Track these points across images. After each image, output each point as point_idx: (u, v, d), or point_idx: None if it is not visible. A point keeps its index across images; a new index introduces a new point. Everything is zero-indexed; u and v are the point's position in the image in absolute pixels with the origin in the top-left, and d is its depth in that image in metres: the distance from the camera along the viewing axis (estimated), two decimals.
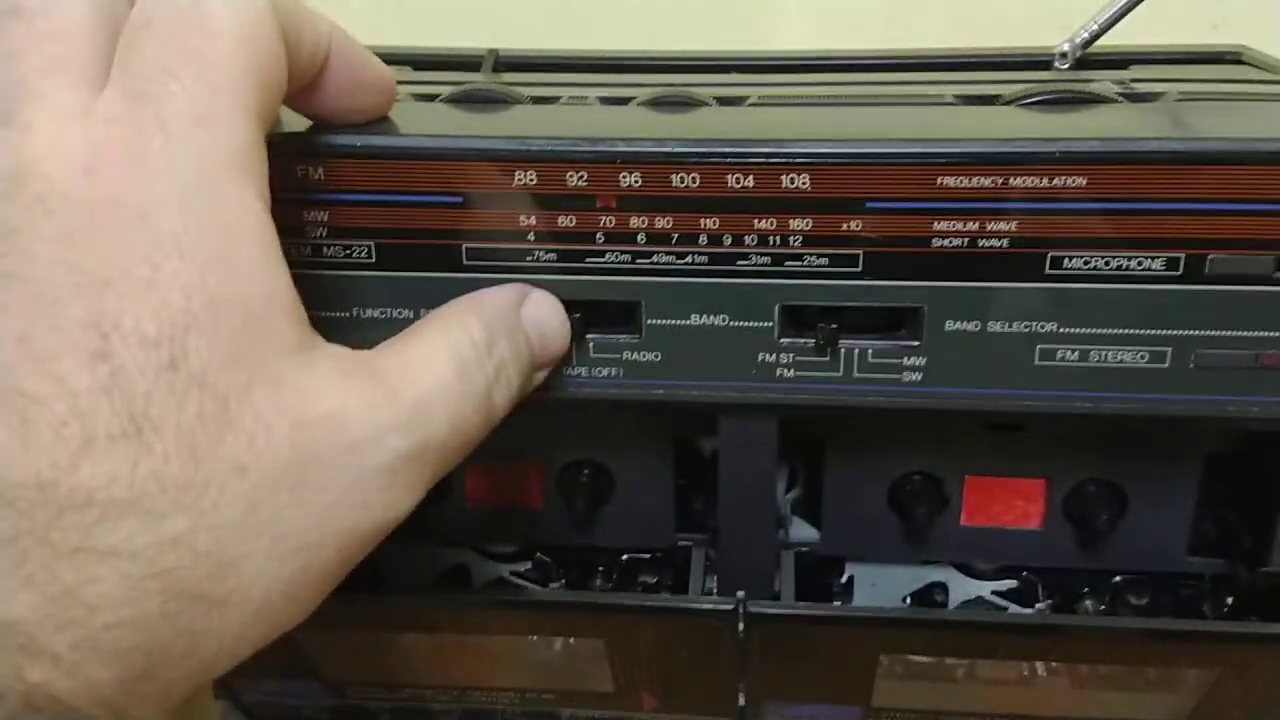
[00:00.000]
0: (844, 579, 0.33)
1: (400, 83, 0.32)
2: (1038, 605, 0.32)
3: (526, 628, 0.28)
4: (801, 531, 0.32)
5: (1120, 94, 0.27)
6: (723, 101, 0.28)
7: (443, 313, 0.25)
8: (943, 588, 0.32)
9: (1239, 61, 0.34)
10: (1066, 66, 0.33)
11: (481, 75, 0.34)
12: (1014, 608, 0.32)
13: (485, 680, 0.31)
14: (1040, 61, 0.34)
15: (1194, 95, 0.27)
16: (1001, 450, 0.30)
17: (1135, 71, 0.33)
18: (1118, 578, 0.31)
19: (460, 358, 0.24)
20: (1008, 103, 0.27)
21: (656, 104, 0.28)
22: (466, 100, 0.29)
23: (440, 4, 0.62)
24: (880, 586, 0.33)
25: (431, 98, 0.29)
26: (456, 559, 0.34)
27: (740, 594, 0.28)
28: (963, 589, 0.32)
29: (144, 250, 0.19)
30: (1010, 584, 0.32)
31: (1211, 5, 0.62)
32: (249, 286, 0.21)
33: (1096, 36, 0.33)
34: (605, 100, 0.29)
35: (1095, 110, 0.26)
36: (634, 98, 0.29)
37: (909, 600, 0.32)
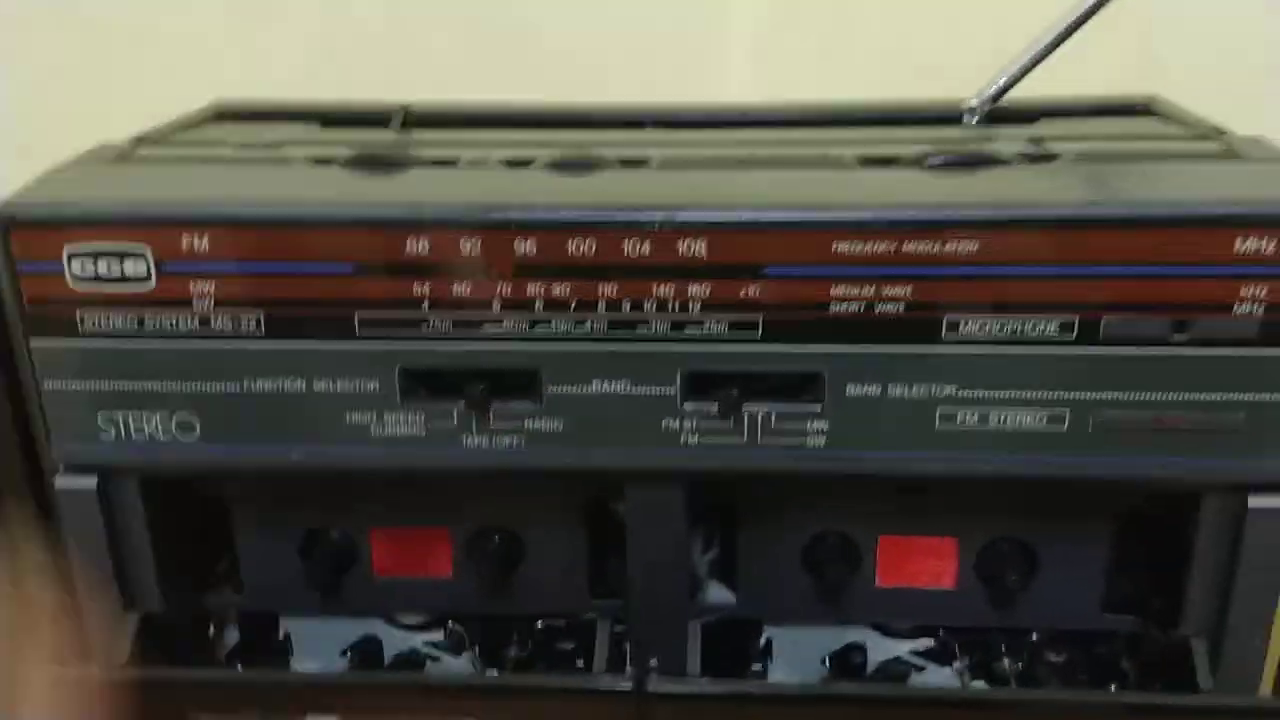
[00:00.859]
0: (762, 642, 0.32)
1: (303, 143, 0.31)
2: (955, 664, 0.32)
3: (426, 709, 0.27)
4: (718, 595, 0.32)
5: (1019, 154, 0.27)
6: (626, 163, 0.28)
7: None
8: (861, 649, 0.32)
9: (1149, 112, 0.34)
10: (975, 121, 0.33)
11: (389, 132, 0.34)
12: (931, 667, 0.32)
13: None
14: (950, 116, 0.34)
15: (1092, 155, 0.27)
16: (914, 510, 0.30)
17: (1043, 125, 0.33)
18: (1034, 636, 0.31)
19: None
20: (907, 165, 0.27)
21: (558, 166, 0.28)
22: (364, 164, 0.28)
23: (379, 52, 0.62)
24: (799, 648, 0.32)
25: (329, 161, 0.28)
26: (367, 630, 0.33)
27: (631, 669, 0.27)
28: (881, 649, 0.32)
29: None
30: (928, 643, 0.32)
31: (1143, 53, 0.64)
32: None
33: (1004, 91, 0.33)
34: (507, 162, 0.28)
35: (991, 173, 0.26)
36: (536, 159, 0.28)
37: (827, 661, 0.32)
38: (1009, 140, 0.30)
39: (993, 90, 0.33)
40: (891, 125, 0.34)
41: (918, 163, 0.27)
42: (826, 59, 0.68)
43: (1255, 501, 0.26)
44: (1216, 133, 0.30)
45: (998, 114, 0.33)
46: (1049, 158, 0.27)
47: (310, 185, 0.27)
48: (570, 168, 0.28)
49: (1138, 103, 0.35)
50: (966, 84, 0.34)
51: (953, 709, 0.26)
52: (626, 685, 0.25)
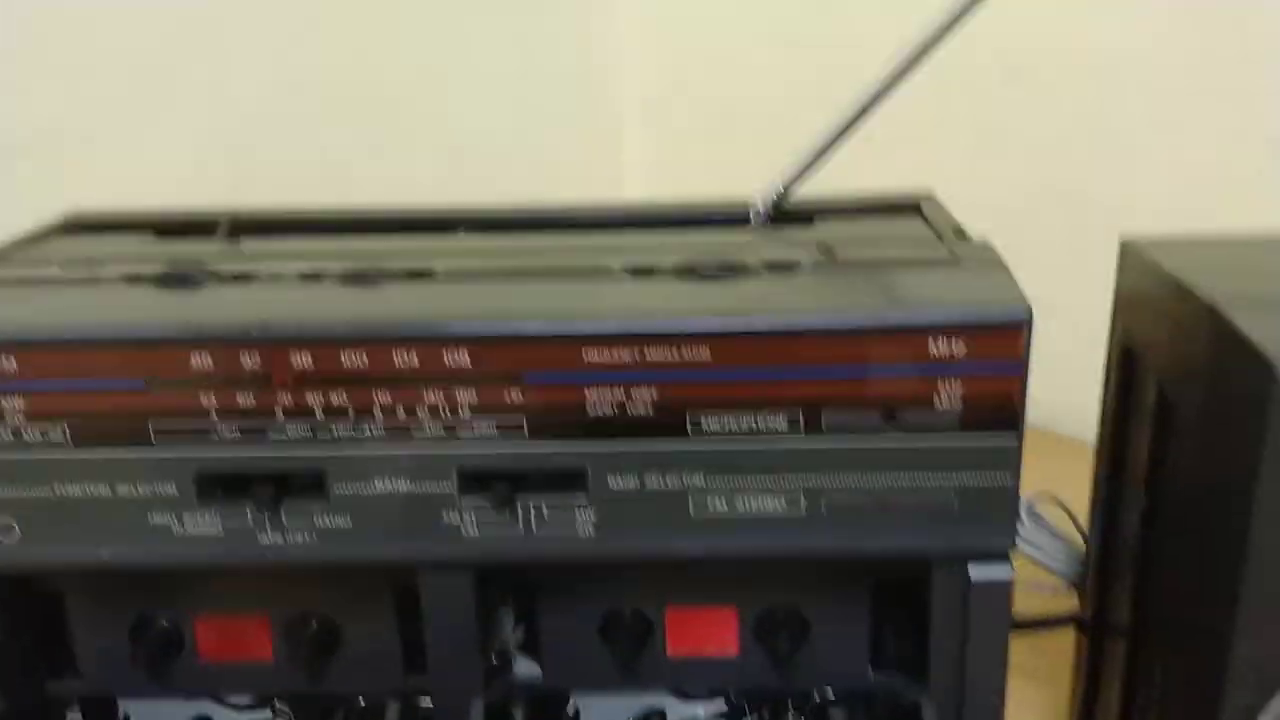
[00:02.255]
0: (571, 710, 0.34)
1: (124, 260, 0.33)
2: None
3: None
4: (528, 668, 0.34)
5: (763, 264, 0.30)
6: (411, 274, 0.31)
7: None
8: (661, 713, 0.34)
9: (917, 211, 0.38)
10: (760, 220, 0.36)
11: (214, 241, 0.36)
12: None
13: None
14: (739, 216, 0.37)
15: (825, 264, 0.30)
16: (696, 581, 0.32)
17: (817, 225, 0.36)
18: (817, 696, 0.34)
19: None
20: (664, 275, 0.30)
21: (346, 278, 0.30)
22: (167, 282, 0.30)
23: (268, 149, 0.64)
24: (606, 714, 0.34)
25: (139, 278, 0.31)
26: (199, 710, 0.35)
27: None
28: (679, 712, 0.34)
29: None
30: (721, 705, 0.34)
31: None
32: None
33: (784, 194, 0.36)
34: (302, 275, 0.31)
35: (734, 283, 0.29)
36: (328, 272, 0.31)
37: None
38: (778, 245, 0.33)
39: (775, 191, 0.36)
40: (684, 226, 0.37)
41: (673, 273, 0.30)
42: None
43: (975, 572, 0.29)
44: (957, 235, 0.33)
45: (782, 212, 0.36)
46: (790, 266, 0.30)
47: (112, 305, 0.29)
48: (357, 280, 0.30)
49: (910, 201, 0.38)
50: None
51: None
52: None
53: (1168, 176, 0.64)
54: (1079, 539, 0.43)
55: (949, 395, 0.27)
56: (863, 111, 0.34)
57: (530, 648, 0.34)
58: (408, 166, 0.68)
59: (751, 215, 0.37)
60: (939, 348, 0.27)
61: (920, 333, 0.26)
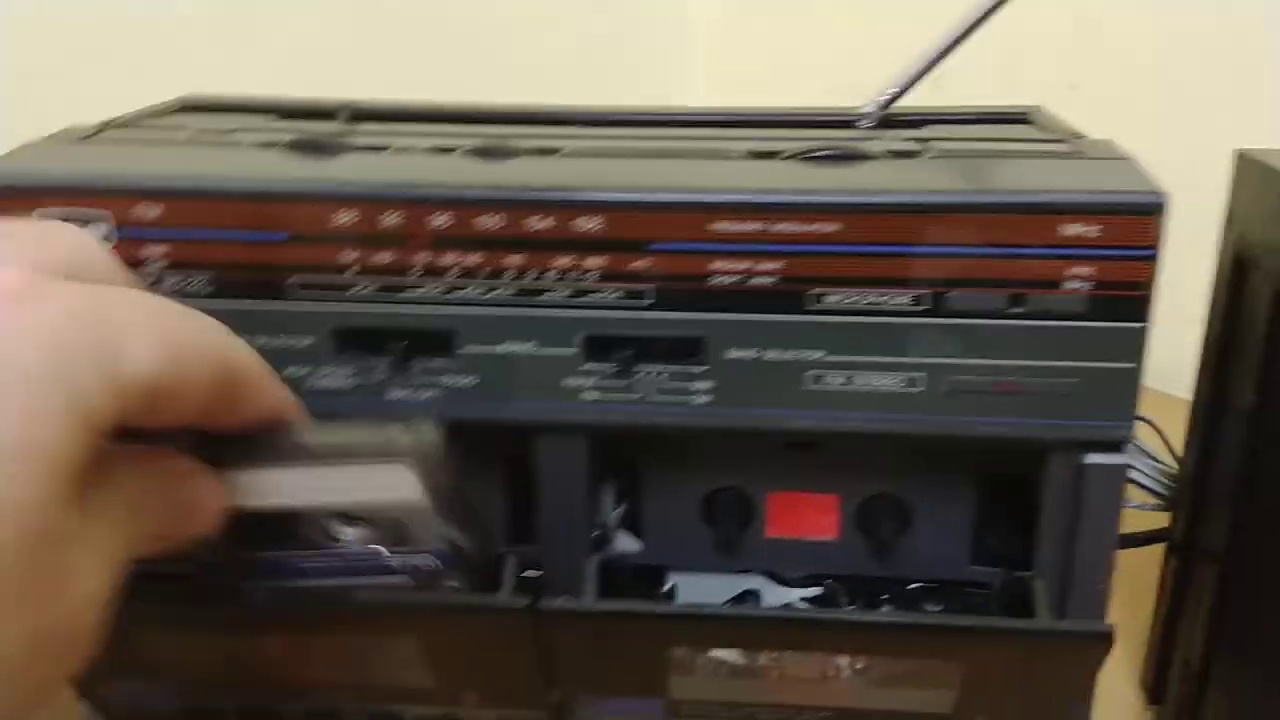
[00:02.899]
0: (666, 588, 0.35)
1: (253, 130, 0.34)
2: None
3: (341, 629, 0.30)
4: (627, 544, 0.35)
5: (886, 151, 0.30)
6: (539, 151, 0.31)
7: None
8: (755, 595, 0.35)
9: (1027, 122, 0.38)
10: (868, 126, 0.37)
11: (335, 124, 0.37)
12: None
13: (321, 677, 0.33)
14: (846, 121, 0.37)
15: (953, 153, 0.30)
16: (799, 467, 0.33)
17: (927, 130, 0.36)
18: (913, 585, 0.34)
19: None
20: (787, 159, 0.30)
21: (477, 153, 0.31)
22: (303, 148, 0.31)
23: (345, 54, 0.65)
24: (700, 593, 0.35)
25: (273, 145, 0.32)
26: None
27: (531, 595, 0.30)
28: (774, 595, 0.35)
29: None
30: (816, 591, 0.35)
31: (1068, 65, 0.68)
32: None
33: (895, 98, 0.36)
34: (432, 149, 0.31)
35: (859, 165, 0.29)
36: (459, 147, 0.31)
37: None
38: (888, 141, 0.33)
39: (884, 97, 0.36)
40: (791, 127, 0.37)
41: (796, 157, 0.30)
42: (776, 70, 0.71)
43: (1090, 459, 0.29)
44: (1074, 137, 0.33)
45: (889, 120, 0.36)
46: (912, 155, 0.30)
47: (253, 164, 0.30)
48: (488, 154, 0.31)
49: (1019, 113, 0.38)
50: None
51: (802, 629, 0.29)
52: (521, 603, 0.28)
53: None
54: (1170, 459, 0.43)
55: (1078, 279, 0.27)
56: (977, 24, 0.34)
57: (631, 526, 0.35)
58: (461, 74, 0.68)
59: (859, 120, 0.37)
60: (1071, 230, 0.27)
61: (1054, 213, 0.27)
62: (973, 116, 0.38)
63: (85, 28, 0.56)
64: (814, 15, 0.81)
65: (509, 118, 0.38)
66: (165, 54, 0.57)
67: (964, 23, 0.34)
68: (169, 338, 0.22)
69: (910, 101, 0.36)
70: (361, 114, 0.38)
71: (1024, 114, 0.38)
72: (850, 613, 0.29)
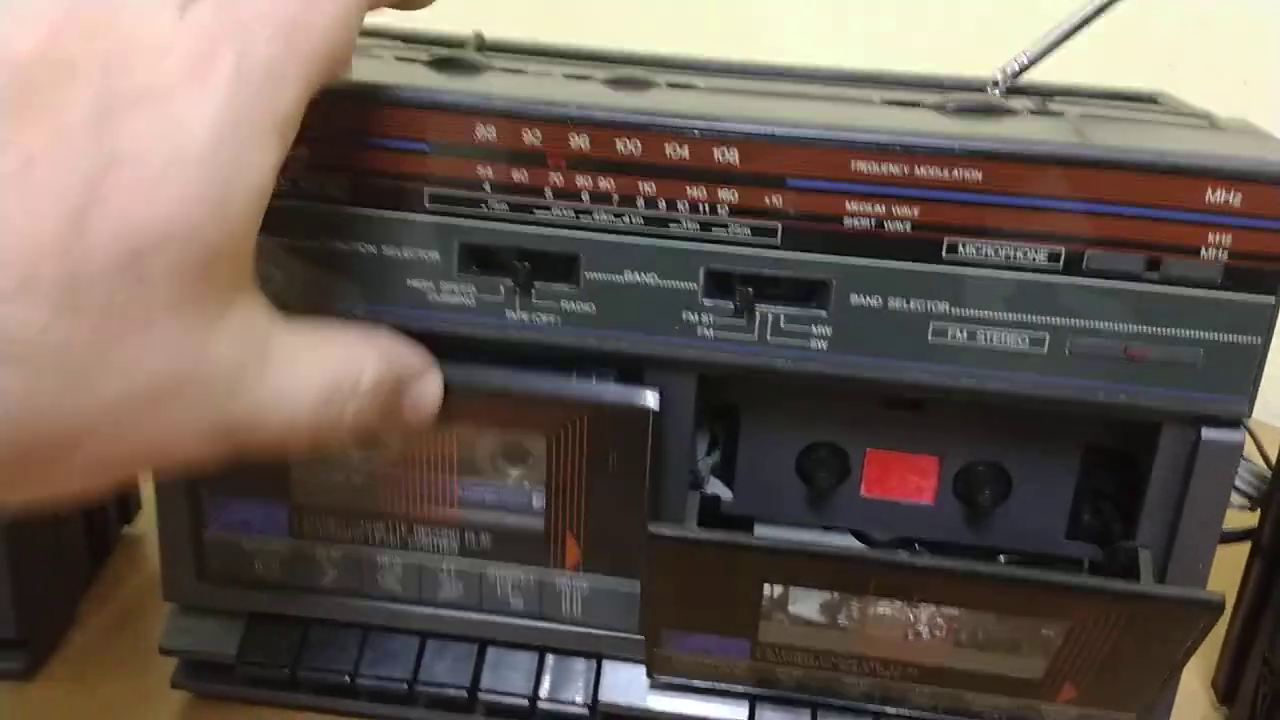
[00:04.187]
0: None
1: (389, 48, 0.35)
2: None
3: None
4: (718, 491, 0.35)
5: (1028, 109, 0.30)
6: (674, 86, 0.31)
7: (357, 339, 0.27)
8: None
9: (1153, 102, 0.37)
10: (999, 92, 0.36)
11: (465, 51, 0.37)
12: None
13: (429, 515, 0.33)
14: (975, 86, 0.37)
15: (1095, 116, 0.30)
16: (900, 427, 0.33)
17: (1057, 102, 0.36)
18: (1002, 556, 0.34)
19: (333, 387, 0.26)
20: (927, 108, 0.30)
21: (613, 82, 0.31)
22: (442, 65, 0.31)
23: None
24: None
25: (412, 61, 0.32)
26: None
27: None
28: None
29: (165, 153, 0.21)
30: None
31: (1242, 59, 0.66)
32: (230, 242, 0.22)
33: (1026, 67, 0.36)
34: (568, 76, 0.32)
35: (1001, 119, 0.29)
36: (594, 77, 0.32)
37: None
38: (1028, 101, 0.33)
39: (1014, 67, 0.36)
40: (921, 89, 0.37)
41: (937, 108, 0.30)
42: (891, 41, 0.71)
43: (1208, 434, 0.29)
44: (1207, 115, 0.32)
45: (1017, 89, 0.36)
46: (1055, 114, 0.30)
47: (394, 75, 0.30)
48: (624, 84, 0.31)
49: (1145, 95, 0.37)
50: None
51: (902, 575, 0.29)
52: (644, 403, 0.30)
53: None
54: (1262, 461, 0.42)
55: (1217, 247, 0.27)
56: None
57: (725, 474, 0.35)
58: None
59: (989, 86, 0.37)
60: (1215, 196, 0.26)
61: (1199, 176, 0.26)
62: (1100, 93, 0.37)
63: None
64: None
65: (638, 60, 0.38)
66: None
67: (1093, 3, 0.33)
68: None
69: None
70: (487, 45, 0.38)
71: (1151, 95, 0.37)
72: (959, 562, 0.29)
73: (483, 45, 0.38)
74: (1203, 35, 0.66)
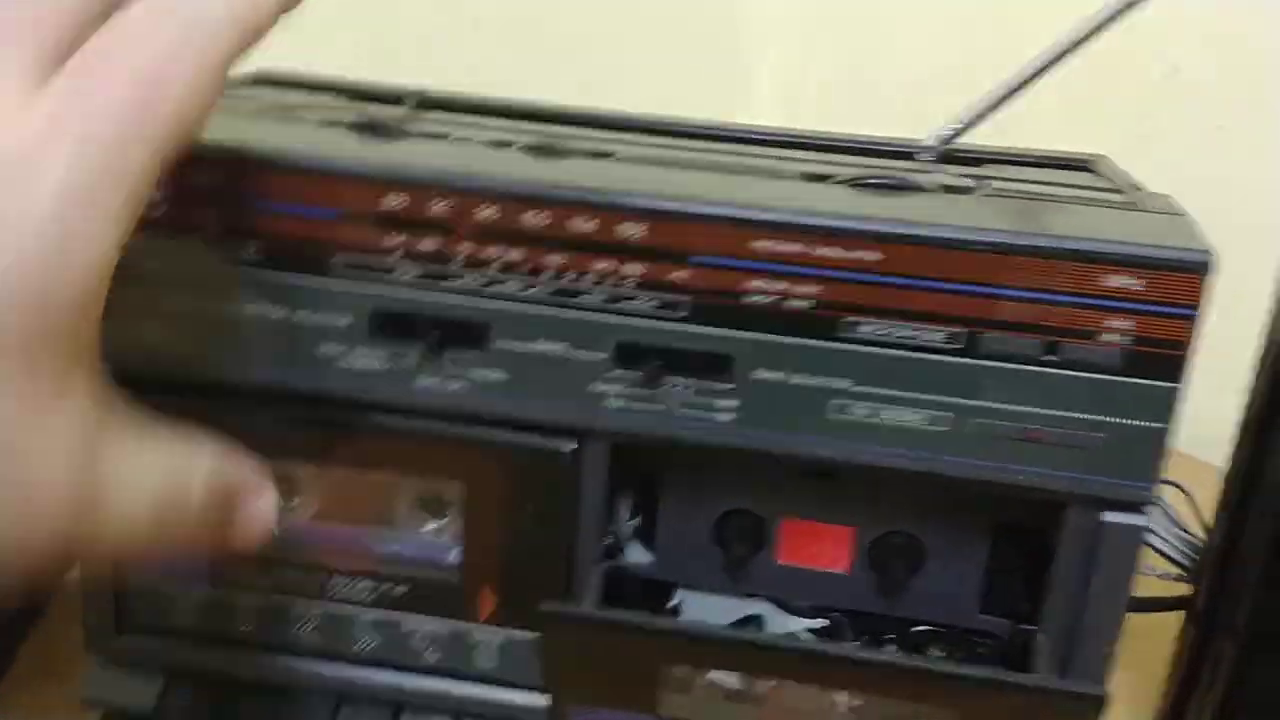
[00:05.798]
0: (672, 604, 0.35)
1: (320, 109, 0.35)
2: (846, 645, 0.34)
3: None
4: (638, 556, 0.35)
5: (939, 185, 0.30)
6: (593, 154, 0.32)
7: (187, 446, 0.26)
8: (760, 620, 0.35)
9: (1089, 170, 0.37)
10: (929, 159, 0.37)
11: (401, 109, 0.38)
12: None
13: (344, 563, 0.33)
14: (905, 153, 0.37)
15: (1003, 192, 0.30)
16: (816, 496, 0.33)
17: (986, 169, 0.36)
18: (920, 628, 0.34)
19: (168, 495, 0.25)
20: (838, 183, 0.30)
21: (533, 149, 0.31)
22: (364, 129, 0.32)
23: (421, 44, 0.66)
24: (706, 614, 0.35)
25: (336, 124, 0.32)
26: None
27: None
28: (779, 624, 0.35)
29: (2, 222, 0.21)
30: (822, 623, 0.35)
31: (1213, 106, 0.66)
32: (69, 317, 0.22)
33: (958, 133, 0.36)
34: (490, 142, 0.32)
35: (909, 196, 0.29)
36: (516, 142, 0.32)
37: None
38: (944, 175, 0.33)
39: (947, 132, 0.36)
40: (850, 154, 0.37)
41: (848, 182, 0.30)
42: (844, 91, 0.71)
43: (1109, 518, 0.29)
44: (1133, 189, 0.32)
45: (949, 155, 0.36)
46: (965, 191, 0.30)
47: (313, 141, 0.31)
48: (543, 152, 0.31)
49: (1082, 160, 0.38)
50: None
51: (798, 659, 0.29)
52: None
53: None
54: (1199, 530, 0.42)
55: (1116, 333, 0.27)
56: (1045, 68, 0.34)
57: (644, 539, 0.35)
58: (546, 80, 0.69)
59: (919, 153, 0.37)
60: (1114, 281, 0.26)
61: (1097, 262, 0.26)
62: (1034, 160, 0.37)
63: None
64: (888, 41, 0.81)
65: (572, 118, 0.38)
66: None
67: (1032, 66, 0.33)
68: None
69: (973, 140, 0.36)
70: (428, 102, 0.39)
71: (1086, 162, 0.38)
72: (842, 648, 0.29)
73: (423, 102, 0.38)
74: (1172, 84, 0.66)
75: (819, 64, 0.85)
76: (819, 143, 0.37)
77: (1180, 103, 0.67)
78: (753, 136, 0.38)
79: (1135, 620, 0.43)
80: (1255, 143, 0.65)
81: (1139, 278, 0.26)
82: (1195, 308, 0.26)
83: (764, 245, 0.28)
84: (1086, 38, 0.33)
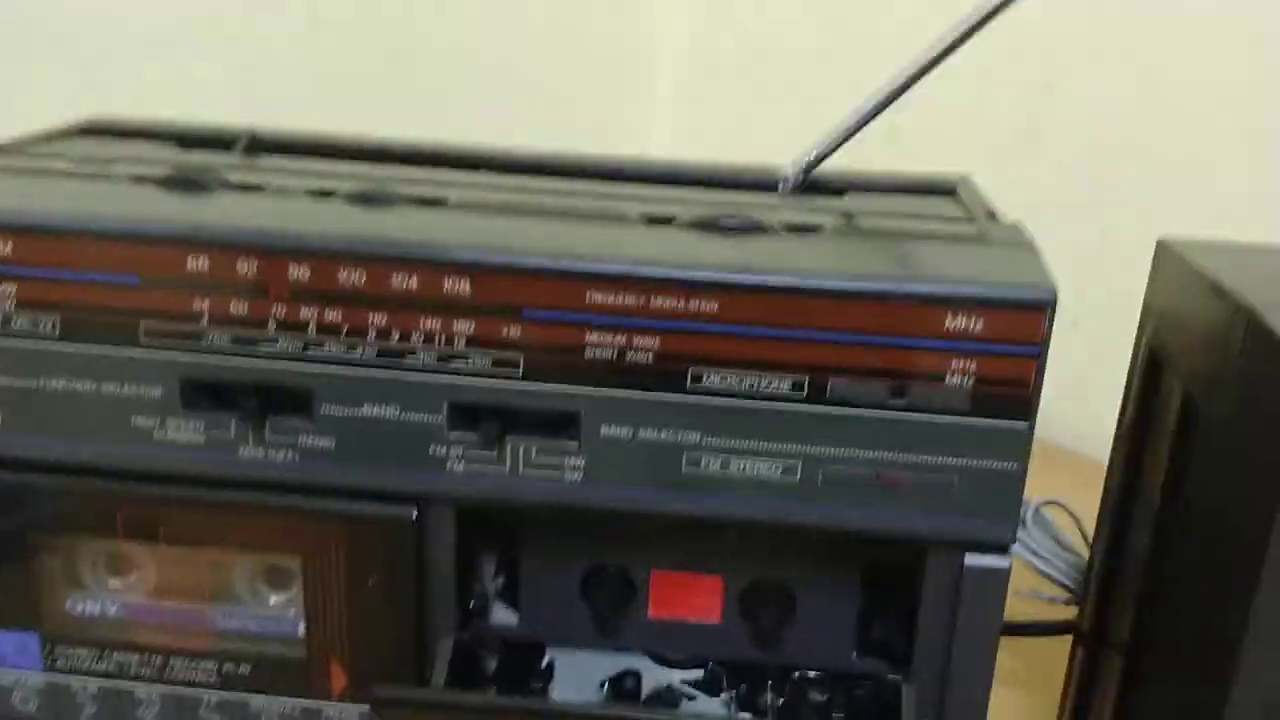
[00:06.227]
0: (545, 664, 0.34)
1: (136, 162, 0.33)
2: (723, 695, 0.33)
3: None
4: (503, 616, 0.33)
5: (784, 225, 0.29)
6: (423, 201, 0.30)
7: None
8: (636, 675, 0.33)
9: (951, 194, 0.36)
10: (789, 189, 0.35)
11: (232, 155, 0.35)
12: (702, 696, 0.33)
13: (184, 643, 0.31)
14: (767, 184, 0.36)
15: (853, 229, 0.29)
16: (683, 547, 0.31)
17: (847, 198, 0.35)
18: (798, 673, 0.33)
19: None
20: (681, 226, 0.29)
21: (357, 198, 0.29)
22: (174, 185, 0.30)
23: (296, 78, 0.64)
24: (580, 671, 0.34)
25: (146, 180, 0.30)
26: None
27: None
28: (654, 677, 0.33)
29: None
30: (698, 674, 0.33)
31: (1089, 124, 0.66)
32: None
33: (816, 163, 0.35)
34: (311, 191, 0.30)
35: (753, 239, 0.28)
36: (339, 190, 0.30)
37: (605, 686, 0.33)
38: (797, 209, 0.32)
39: (807, 161, 0.35)
40: (710, 186, 0.35)
41: (690, 225, 0.29)
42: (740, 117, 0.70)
43: (971, 560, 0.28)
44: (987, 218, 0.32)
45: (812, 184, 0.35)
46: (811, 229, 0.29)
47: (115, 201, 0.28)
48: (368, 200, 0.29)
49: (944, 185, 0.37)
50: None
51: None
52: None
53: (1201, 192, 0.62)
54: (1084, 550, 0.42)
55: (962, 374, 0.26)
56: (903, 88, 0.32)
57: (509, 597, 0.33)
58: (432, 109, 0.68)
59: (780, 183, 0.36)
60: (956, 323, 0.25)
61: (938, 304, 0.25)
62: (897, 186, 0.36)
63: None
64: (781, 65, 0.81)
65: (414, 157, 0.36)
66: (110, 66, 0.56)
67: (887, 91, 0.32)
68: None
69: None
70: (261, 144, 0.36)
71: (950, 186, 0.37)
72: (633, 710, 0.28)
73: (254, 144, 0.36)
74: (1047, 99, 0.66)
75: (715, 91, 0.85)
76: (674, 175, 0.36)
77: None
78: (607, 171, 0.36)
79: (1029, 645, 0.43)
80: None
81: (980, 318, 0.25)
82: (1039, 345, 0.25)
83: (599, 298, 0.26)
84: (938, 59, 0.32)
